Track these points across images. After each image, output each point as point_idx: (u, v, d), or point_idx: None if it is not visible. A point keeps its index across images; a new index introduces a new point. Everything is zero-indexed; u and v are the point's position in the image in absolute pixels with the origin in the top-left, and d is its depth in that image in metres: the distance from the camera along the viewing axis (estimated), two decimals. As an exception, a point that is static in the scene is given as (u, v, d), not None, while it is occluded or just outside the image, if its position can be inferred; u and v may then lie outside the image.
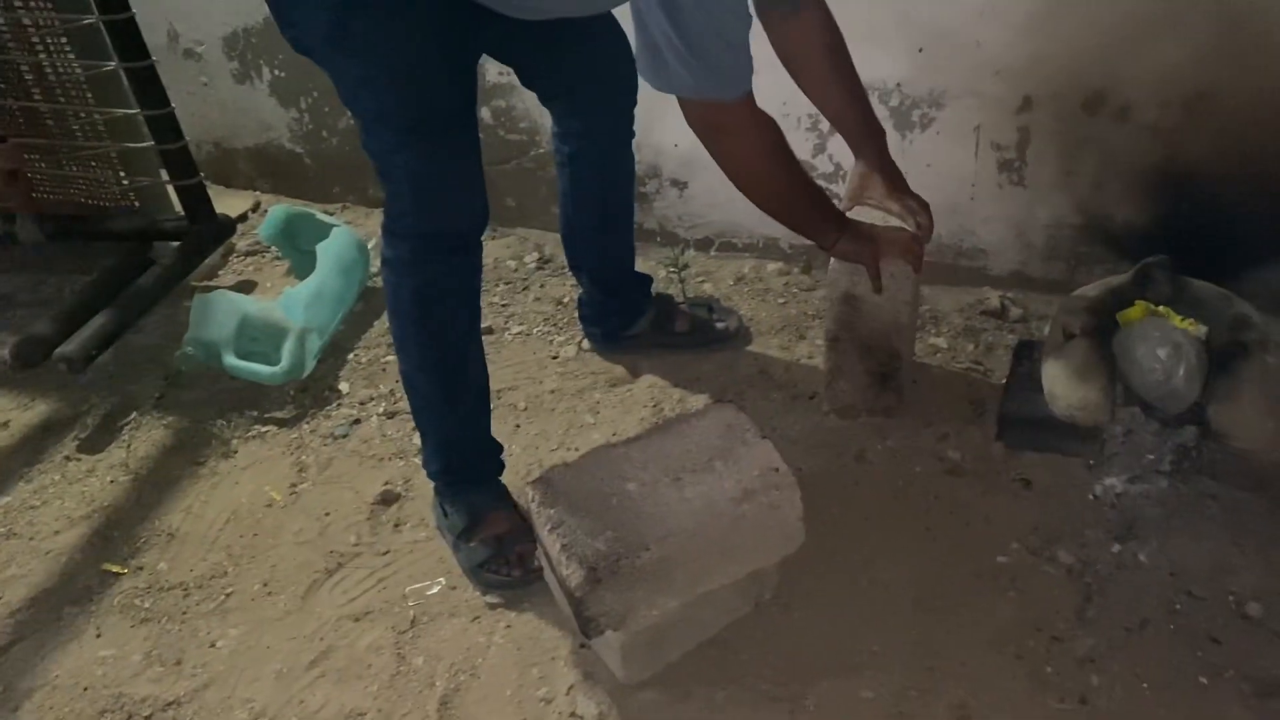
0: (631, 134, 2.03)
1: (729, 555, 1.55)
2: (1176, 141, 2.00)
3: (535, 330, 2.41)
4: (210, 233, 2.64)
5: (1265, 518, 1.73)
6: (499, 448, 1.87)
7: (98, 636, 1.80)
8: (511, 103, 2.57)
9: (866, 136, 1.87)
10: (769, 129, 1.61)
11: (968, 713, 1.53)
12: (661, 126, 2.41)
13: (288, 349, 2.25)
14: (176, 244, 2.59)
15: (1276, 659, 1.54)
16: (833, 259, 1.86)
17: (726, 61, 1.46)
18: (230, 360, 2.24)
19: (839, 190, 2.33)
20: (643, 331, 2.25)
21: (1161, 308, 1.89)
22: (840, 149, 2.26)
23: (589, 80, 1.91)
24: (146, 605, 1.85)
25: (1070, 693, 1.54)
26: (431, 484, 1.88)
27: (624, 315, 2.25)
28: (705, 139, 1.58)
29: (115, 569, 1.92)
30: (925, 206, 1.88)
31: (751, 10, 1.50)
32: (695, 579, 1.53)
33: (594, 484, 1.56)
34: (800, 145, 2.31)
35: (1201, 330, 1.83)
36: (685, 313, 2.28)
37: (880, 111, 2.18)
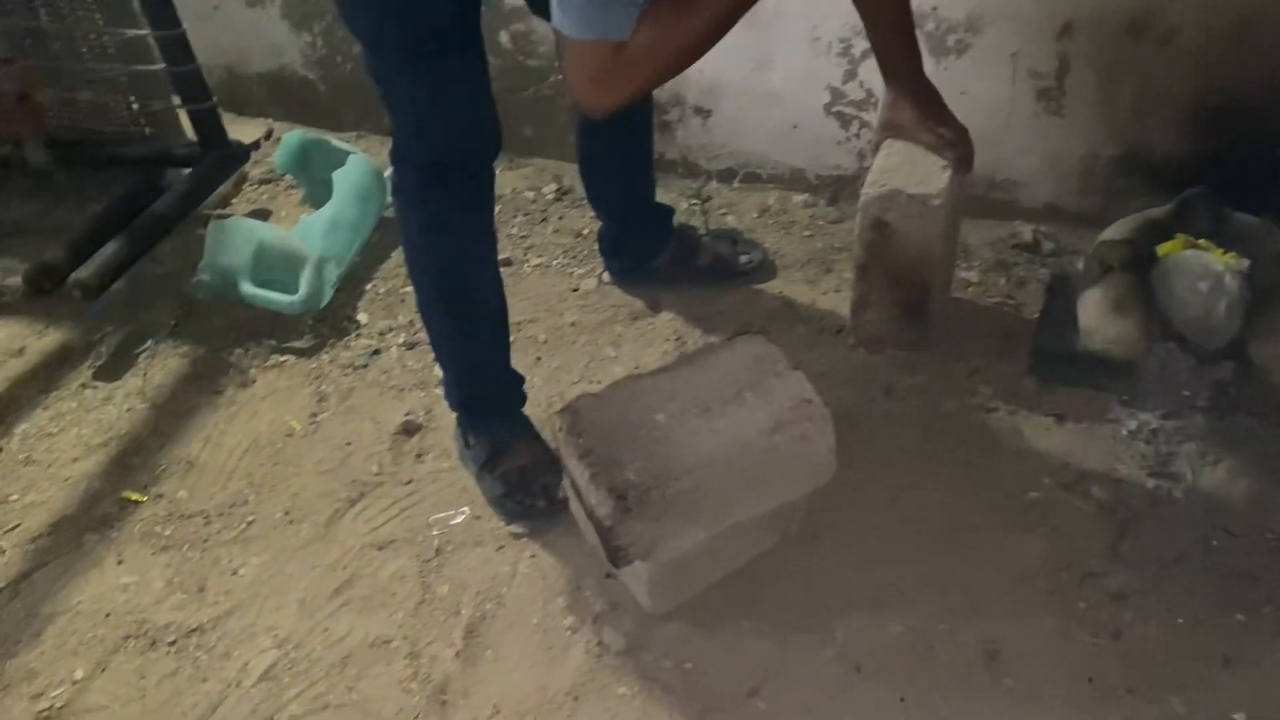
0: None
1: (758, 487, 1.52)
2: (1222, 69, 1.93)
3: (554, 262, 2.37)
4: (223, 159, 2.58)
5: (1304, 455, 1.70)
6: (520, 379, 1.84)
7: (119, 563, 1.79)
8: (531, 26, 2.50)
9: (904, 57, 1.79)
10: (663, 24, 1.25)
11: (998, 646, 1.52)
12: (686, 52, 2.35)
13: (305, 278, 2.21)
14: (188, 171, 2.54)
15: (1314, 596, 1.52)
16: (864, 189, 1.81)
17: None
18: (247, 288, 2.21)
19: (870, 119, 2.27)
20: (664, 265, 2.20)
21: (1202, 240, 1.84)
22: (873, 73, 2.20)
23: None
24: (167, 533, 1.84)
25: (1103, 627, 1.52)
26: (454, 415, 1.85)
27: (645, 248, 2.20)
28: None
29: (134, 497, 1.90)
30: (963, 133, 1.82)
31: None
32: (724, 511, 1.50)
33: (622, 414, 1.53)
34: (830, 71, 2.24)
35: (1243, 263, 1.79)
36: (708, 246, 2.23)
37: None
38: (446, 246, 1.65)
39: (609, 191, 2.13)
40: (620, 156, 2.06)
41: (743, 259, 2.23)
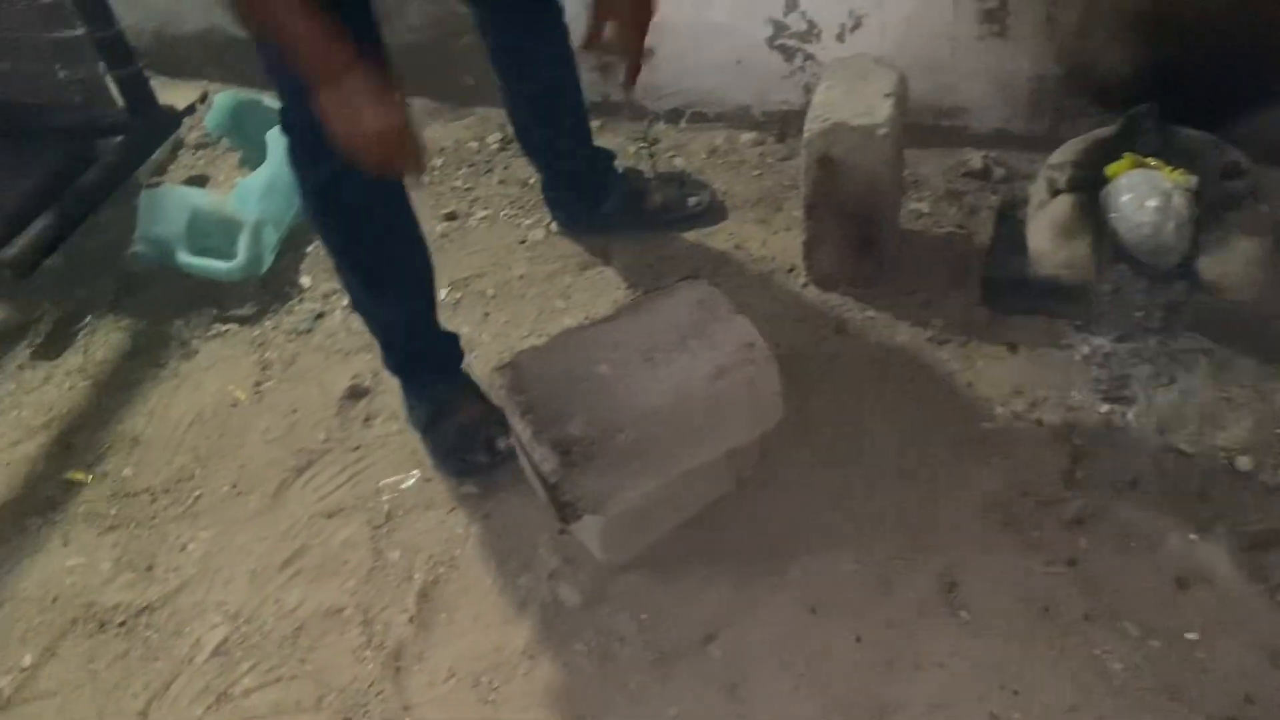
0: (559, 10, 1.86)
1: (706, 434, 1.50)
2: (1166, -20, 1.88)
3: (501, 214, 2.31)
4: (154, 126, 2.50)
5: (1255, 371, 1.68)
6: (453, 337, 1.79)
7: (65, 546, 1.76)
8: (464, -29, 2.41)
9: None
10: None
11: (954, 578, 1.51)
12: (623, -10, 2.28)
13: (243, 243, 2.15)
14: (119, 139, 2.46)
15: (1267, 512, 1.51)
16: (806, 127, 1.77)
17: None
18: (184, 258, 2.15)
19: (814, 50, 2.21)
20: (612, 211, 2.15)
21: (1151, 159, 1.81)
22: (813, 3, 2.15)
23: None
24: (113, 512, 1.80)
25: (1058, 555, 1.51)
26: (398, 376, 1.82)
27: (590, 196, 2.15)
28: None
29: (79, 477, 1.87)
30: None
31: None
32: (672, 459, 1.48)
33: (564, 367, 1.50)
34: (771, 2, 2.18)
35: (1191, 181, 1.76)
36: (655, 190, 2.18)
37: (854, -37, 2.06)
38: (348, 209, 1.56)
39: (541, 147, 2.07)
40: (544, 116, 2.01)
41: (691, 201, 2.18)
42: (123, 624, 1.62)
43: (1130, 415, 1.66)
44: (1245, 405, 1.64)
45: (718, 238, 2.15)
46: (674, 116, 2.47)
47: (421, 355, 1.76)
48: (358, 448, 1.84)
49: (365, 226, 1.58)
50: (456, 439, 1.71)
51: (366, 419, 1.89)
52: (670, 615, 1.52)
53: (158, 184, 2.45)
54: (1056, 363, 1.77)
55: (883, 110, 1.75)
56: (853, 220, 1.86)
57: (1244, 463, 1.57)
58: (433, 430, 1.73)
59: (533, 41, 1.89)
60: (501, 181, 2.41)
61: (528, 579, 1.59)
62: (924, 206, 2.12)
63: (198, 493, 1.81)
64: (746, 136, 2.40)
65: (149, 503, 1.81)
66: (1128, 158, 1.81)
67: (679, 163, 2.37)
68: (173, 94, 2.76)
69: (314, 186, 1.55)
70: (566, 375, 1.49)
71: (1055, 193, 1.79)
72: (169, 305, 2.19)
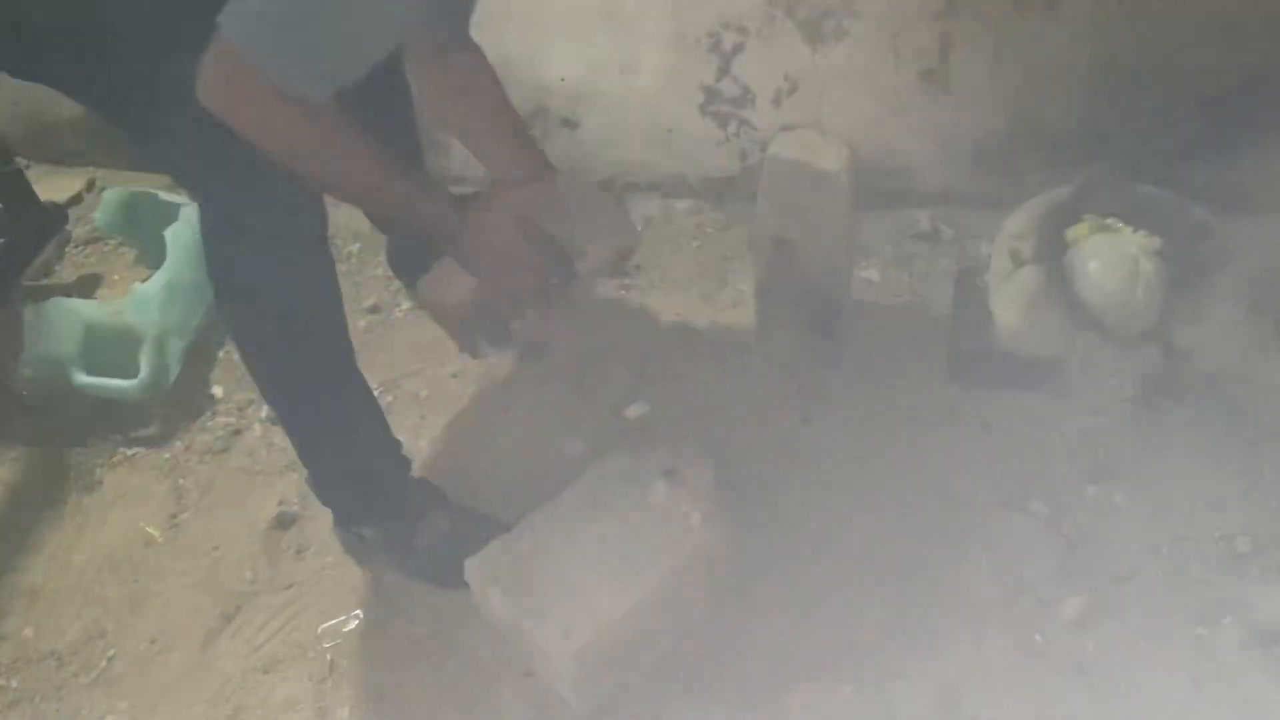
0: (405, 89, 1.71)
1: None
2: (1110, 36, 1.83)
3: (428, 303, 2.16)
4: (36, 226, 2.29)
5: (1240, 442, 1.62)
6: (400, 444, 1.65)
7: (-43, 732, 1.55)
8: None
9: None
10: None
11: (959, 695, 1.41)
12: (543, 59, 2.16)
13: (145, 356, 1.96)
14: (-1, 243, 2.25)
15: (1273, 598, 1.44)
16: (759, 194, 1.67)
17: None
18: (79, 378, 1.94)
19: (749, 115, 2.12)
20: None
21: (1110, 220, 1.75)
22: (746, 68, 2.06)
23: None
24: (14, 685, 1.59)
25: (1066, 661, 1.42)
26: (331, 505, 1.65)
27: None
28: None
29: (-30, 645, 1.65)
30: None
31: None
32: None
33: None
34: (701, 69, 2.08)
35: (1155, 242, 1.70)
36: None
37: (786, 24, 1.97)
38: (304, 337, 1.41)
39: None
40: None
41: None
42: (31, 827, 1.42)
43: (1119, 497, 1.59)
44: (1235, 479, 1.58)
45: (664, 320, 2.03)
46: (605, 186, 2.34)
47: (380, 473, 1.60)
48: (290, 586, 1.66)
49: (325, 340, 1.43)
50: (448, 554, 1.54)
51: (297, 551, 1.72)
52: (659, 768, 1.38)
53: (46, 288, 2.23)
54: (1035, 441, 1.69)
55: (835, 189, 1.65)
56: (808, 303, 1.76)
57: (1244, 544, 1.50)
58: (403, 559, 1.60)
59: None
60: (426, 267, 2.26)
61: (494, 733, 1.44)
62: (874, 275, 2.03)
63: (111, 653, 1.61)
64: (682, 205, 2.29)
65: (55, 669, 1.60)
66: (1088, 221, 1.75)
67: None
68: (56, 184, 2.55)
69: (273, 311, 1.39)
70: None
71: (1019, 264, 1.72)
72: (66, 432, 1.97)
